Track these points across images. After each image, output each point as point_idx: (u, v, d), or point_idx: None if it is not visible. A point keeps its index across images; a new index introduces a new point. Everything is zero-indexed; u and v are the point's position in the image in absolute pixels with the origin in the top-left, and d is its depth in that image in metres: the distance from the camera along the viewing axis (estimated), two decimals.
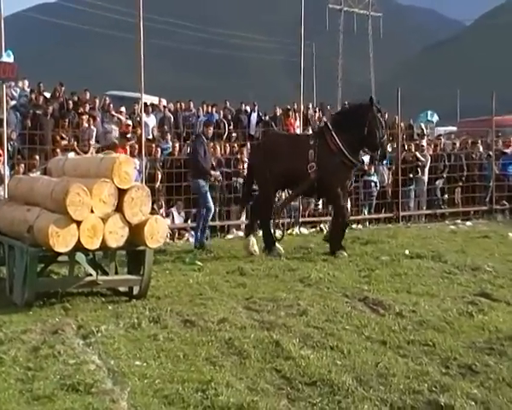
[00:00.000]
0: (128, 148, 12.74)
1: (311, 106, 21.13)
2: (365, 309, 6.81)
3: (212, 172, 11.65)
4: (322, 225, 13.56)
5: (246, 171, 12.48)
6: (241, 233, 13.49)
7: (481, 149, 16.82)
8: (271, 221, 10.72)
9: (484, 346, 5.43)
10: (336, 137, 10.19)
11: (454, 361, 5.08)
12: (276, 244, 10.56)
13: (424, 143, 16.79)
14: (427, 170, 16.06)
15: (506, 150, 16.88)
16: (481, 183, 16.28)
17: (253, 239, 10.62)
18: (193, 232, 12.22)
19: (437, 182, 16.16)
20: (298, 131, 16.99)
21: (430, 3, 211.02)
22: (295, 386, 4.69)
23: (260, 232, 10.93)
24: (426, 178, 16.07)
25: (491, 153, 16.43)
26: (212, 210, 11.63)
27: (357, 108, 10.69)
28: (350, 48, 76.77)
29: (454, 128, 23.01)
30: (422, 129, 20.10)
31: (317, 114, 20.64)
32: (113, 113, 16.46)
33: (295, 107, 17.66)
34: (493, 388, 4.56)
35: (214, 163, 12.65)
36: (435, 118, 22.98)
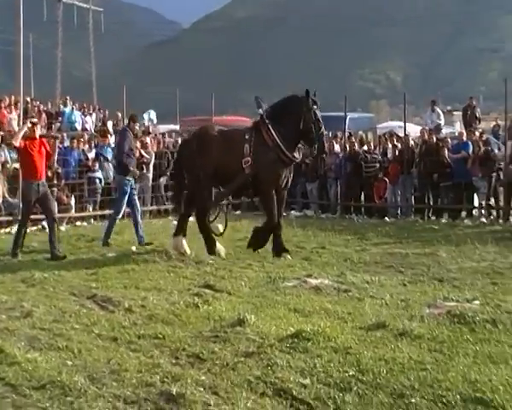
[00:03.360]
0: None
1: (29, 99, 20.16)
2: (94, 307, 6.71)
3: (131, 169, 10.83)
4: (43, 223, 12.99)
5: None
6: None
7: None
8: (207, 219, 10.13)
9: (210, 335, 5.65)
10: (273, 131, 9.68)
11: (183, 351, 5.21)
12: (217, 243, 9.97)
13: (148, 140, 17.06)
14: (151, 167, 16.36)
15: None
16: None
17: (182, 239, 9.96)
18: None
19: (161, 179, 16.55)
20: (14, 124, 16.09)
21: (148, 3, 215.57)
22: (22, 392, 4.41)
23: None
24: (151, 174, 16.36)
25: None
26: (120, 215, 11.20)
27: (292, 101, 9.97)
28: (70, 41, 74.71)
29: (176, 127, 23.78)
30: (147, 126, 20.43)
31: (36, 108, 19.72)
32: None
33: (13, 98, 16.72)
34: (219, 373, 4.77)
35: None
36: (153, 115, 23.54)
